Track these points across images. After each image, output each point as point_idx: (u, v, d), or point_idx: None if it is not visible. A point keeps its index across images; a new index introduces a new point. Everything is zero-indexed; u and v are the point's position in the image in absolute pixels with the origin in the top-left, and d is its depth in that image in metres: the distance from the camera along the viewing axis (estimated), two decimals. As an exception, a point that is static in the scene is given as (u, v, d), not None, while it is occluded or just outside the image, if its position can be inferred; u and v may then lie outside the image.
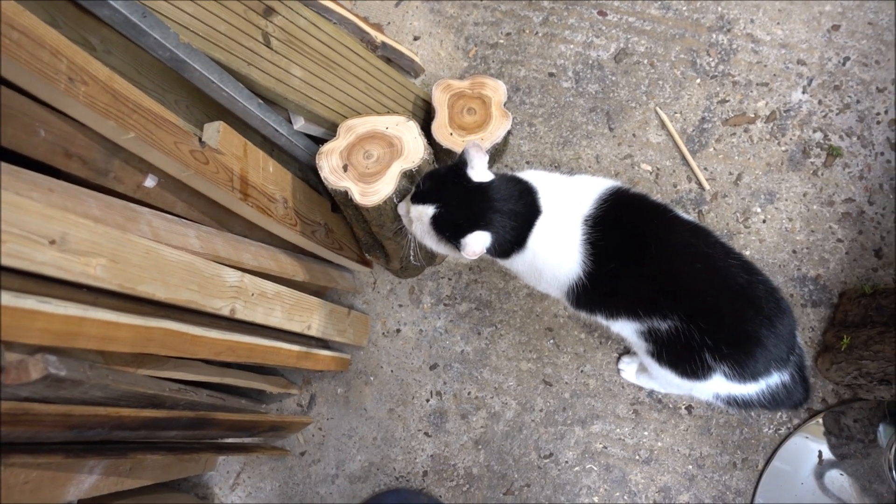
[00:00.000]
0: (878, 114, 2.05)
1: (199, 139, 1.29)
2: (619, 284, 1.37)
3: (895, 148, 2.02)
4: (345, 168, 1.49)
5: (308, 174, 1.78)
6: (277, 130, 1.54)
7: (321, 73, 1.64)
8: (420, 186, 1.39)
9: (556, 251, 1.39)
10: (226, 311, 1.30)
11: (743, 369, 1.31)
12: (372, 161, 1.50)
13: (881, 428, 1.87)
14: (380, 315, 2.02)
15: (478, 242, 1.33)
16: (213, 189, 1.29)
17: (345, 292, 2.02)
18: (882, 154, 2.03)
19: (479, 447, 1.94)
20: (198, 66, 1.28)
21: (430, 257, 1.87)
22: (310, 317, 1.68)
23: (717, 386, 1.38)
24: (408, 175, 1.48)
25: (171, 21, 1.24)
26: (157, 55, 1.21)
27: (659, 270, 1.32)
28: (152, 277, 1.09)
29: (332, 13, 1.70)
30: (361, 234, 1.70)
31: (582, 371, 1.94)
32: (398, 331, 2.01)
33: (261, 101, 1.49)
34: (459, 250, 1.35)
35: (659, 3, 2.14)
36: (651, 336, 1.39)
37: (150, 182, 1.23)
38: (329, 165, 1.49)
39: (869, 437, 1.88)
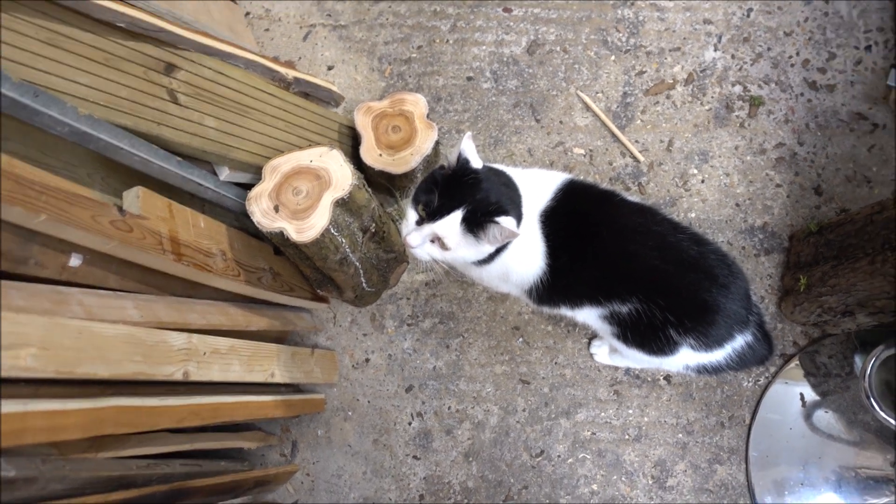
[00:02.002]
0: (790, 57, 2.10)
1: (120, 208, 1.26)
2: (577, 274, 1.38)
3: (812, 87, 2.07)
4: (276, 209, 1.47)
5: (245, 222, 1.75)
6: (202, 185, 1.51)
7: (236, 120, 1.62)
8: (430, 204, 1.29)
9: (524, 250, 1.39)
10: (178, 376, 1.27)
11: (707, 339, 1.33)
12: (302, 197, 1.48)
13: (856, 359, 1.89)
14: (346, 348, 1.99)
15: (511, 223, 1.25)
16: (143, 255, 1.26)
17: (306, 332, 1.99)
18: (802, 95, 2.07)
19: (470, 459, 1.92)
20: (104, 136, 1.25)
21: (384, 281, 1.85)
22: (271, 364, 1.64)
23: (686, 358, 1.40)
24: (340, 203, 1.47)
25: (67, 95, 1.21)
26: (56, 132, 1.18)
27: (613, 255, 1.34)
28: (90, 357, 1.05)
29: (238, 58, 1.68)
30: (308, 271, 1.68)
31: (556, 363, 1.93)
32: (367, 360, 1.98)
33: (179, 158, 1.47)
34: (495, 237, 1.27)
35: (560, -11, 2.16)
36: (614, 319, 1.40)
37: (75, 261, 1.20)
38: (260, 209, 1.47)
39: (846, 371, 1.90)
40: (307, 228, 1.44)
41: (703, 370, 1.44)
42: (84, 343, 1.05)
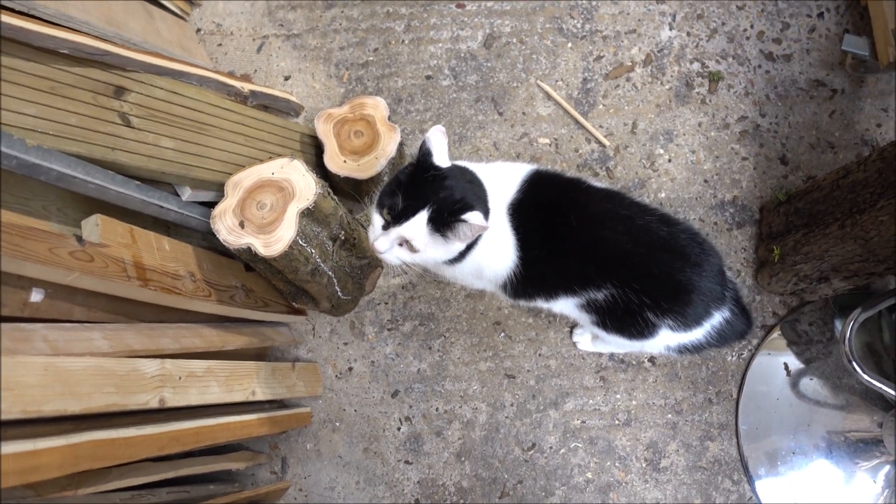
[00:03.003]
0: (744, 30, 2.10)
1: (79, 238, 1.23)
2: (550, 265, 1.37)
3: (769, 58, 2.08)
4: (241, 225, 1.45)
5: (213, 241, 1.72)
6: (164, 207, 1.48)
7: (194, 138, 1.59)
8: (394, 207, 1.26)
9: (495, 245, 1.37)
10: (154, 403, 1.24)
11: (685, 318, 1.33)
12: (267, 210, 1.46)
13: (836, 323, 1.90)
14: (328, 359, 1.97)
15: (479, 218, 1.21)
16: (107, 284, 1.23)
17: (286, 347, 1.96)
18: (759, 66, 2.08)
19: (462, 459, 1.90)
20: (55, 166, 1.22)
21: (359, 288, 1.83)
22: (251, 382, 1.62)
23: (666, 339, 1.39)
24: (306, 214, 1.45)
25: (13, 128, 1.18)
26: (5, 166, 1.15)
27: (584, 242, 1.33)
28: (59, 393, 1.02)
29: (190, 76, 1.65)
30: (281, 284, 1.66)
31: (540, 355, 1.92)
32: (350, 369, 1.96)
33: (138, 182, 1.44)
34: (464, 234, 1.24)
35: (511, -19, 2.16)
36: (591, 307, 1.39)
37: (36, 296, 1.17)
38: (225, 227, 1.45)
39: (827, 336, 1.91)
40: (274, 242, 1.42)
41: (684, 350, 1.44)
42: (50, 379, 1.02)
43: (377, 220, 1.31)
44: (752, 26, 2.10)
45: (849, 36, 1.98)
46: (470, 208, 1.23)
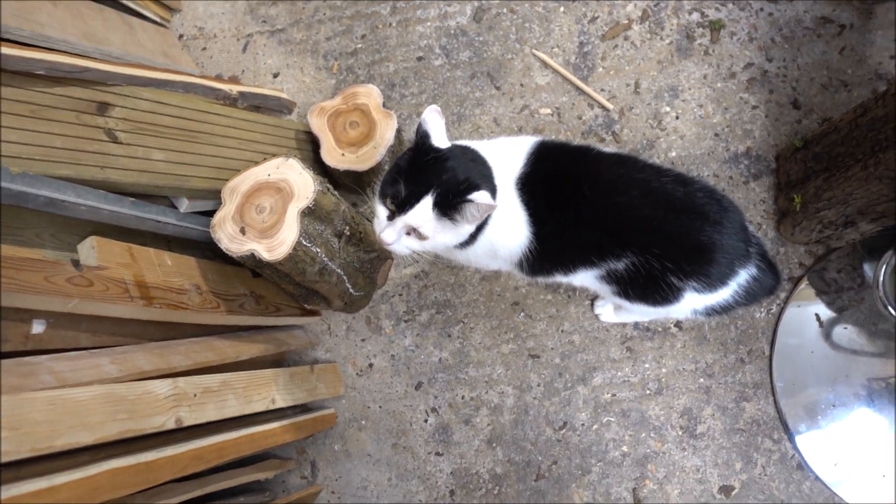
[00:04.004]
0: (742, -27, 2.02)
1: (76, 263, 1.20)
2: (565, 238, 1.32)
3: (771, -1, 1.99)
4: (242, 231, 1.40)
5: (217, 250, 1.68)
6: (161, 221, 1.44)
7: (186, 147, 1.55)
8: (397, 196, 1.22)
9: (506, 223, 1.32)
10: (171, 424, 1.21)
11: (710, 279, 1.28)
12: (266, 214, 1.41)
13: (865, 267, 1.83)
14: (347, 357, 1.93)
15: (486, 196, 1.17)
16: (110, 307, 1.20)
17: (303, 349, 1.92)
18: (762, 9, 1.99)
19: (494, 445, 1.86)
20: (44, 192, 1.18)
21: (371, 282, 1.79)
22: (269, 390, 1.59)
23: (692, 302, 1.34)
24: (307, 213, 1.40)
25: (-5, 157, 1.14)
26: (-10, 197, 1.11)
27: (598, 211, 1.27)
28: (69, 426, 0.99)
29: (174, 84, 1.61)
30: (290, 287, 1.62)
31: (562, 331, 1.87)
32: (370, 365, 1.92)
33: (133, 199, 1.40)
34: (472, 215, 1.20)
35: (495, -51, 2.08)
36: (612, 278, 1.34)
37: (38, 327, 1.13)
38: (226, 235, 1.41)
39: (857, 282, 1.85)
40: (277, 245, 1.38)
41: (712, 311, 1.38)
42: (58, 413, 0.98)
43: (381, 212, 1.27)
44: (749, -32, 2.02)
45: (853, -33, 1.89)
46: (476, 188, 1.18)
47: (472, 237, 1.31)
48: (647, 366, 1.84)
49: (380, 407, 1.91)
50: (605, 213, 1.27)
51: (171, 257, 1.42)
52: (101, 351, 1.24)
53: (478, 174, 1.24)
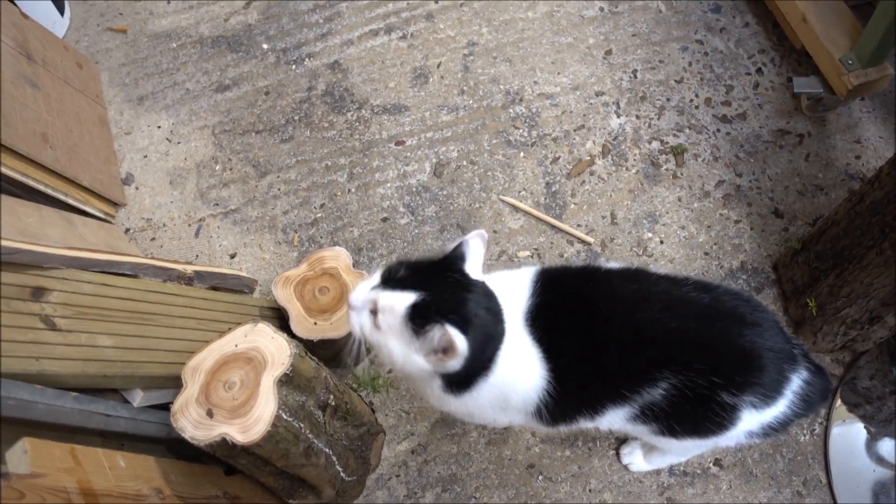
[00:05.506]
0: (691, 101, 2.06)
1: (3, 473, 0.95)
2: (587, 370, 1.13)
3: (725, 120, 2.01)
4: (209, 413, 1.17)
5: (182, 447, 1.42)
6: (111, 416, 1.21)
7: (137, 331, 1.36)
8: (394, 273, 1.09)
9: (519, 367, 1.13)
10: None
11: (764, 388, 1.10)
12: (237, 389, 1.19)
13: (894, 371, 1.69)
14: (343, 564, 1.61)
15: (458, 336, 0.99)
16: (46, 526, 0.93)
17: (290, 562, 1.60)
18: (718, 130, 2.01)
19: None
20: (-41, 388, 0.96)
21: (364, 463, 1.53)
22: None
23: (749, 422, 1.14)
24: (284, 381, 1.19)
25: None
26: None
27: (621, 332, 1.11)
28: None
29: (121, 265, 1.44)
30: (271, 480, 1.35)
31: (590, 490, 1.61)
32: (374, 569, 1.60)
33: (75, 393, 1.17)
34: (430, 340, 1.02)
35: (445, 109, 2.08)
36: (650, 414, 1.14)
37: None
38: (190, 421, 1.17)
39: (888, 389, 1.68)
40: (253, 424, 1.15)
41: (769, 431, 1.17)
42: None
43: (375, 278, 1.11)
44: (696, 95, 2.05)
45: (797, 78, 1.93)
46: (461, 326, 1.01)
47: (467, 384, 1.12)
48: (694, 517, 1.58)
49: None
50: (630, 333, 1.11)
51: (124, 457, 1.17)
52: (34, 589, 0.95)
53: (480, 319, 1.06)
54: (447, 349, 1.01)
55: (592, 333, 1.12)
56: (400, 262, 1.12)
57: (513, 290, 1.17)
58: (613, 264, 1.25)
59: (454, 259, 1.11)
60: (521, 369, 1.14)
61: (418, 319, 1.02)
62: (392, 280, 1.08)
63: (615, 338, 1.11)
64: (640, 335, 1.10)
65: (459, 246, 1.11)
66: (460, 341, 0.99)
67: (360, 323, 1.10)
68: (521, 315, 1.15)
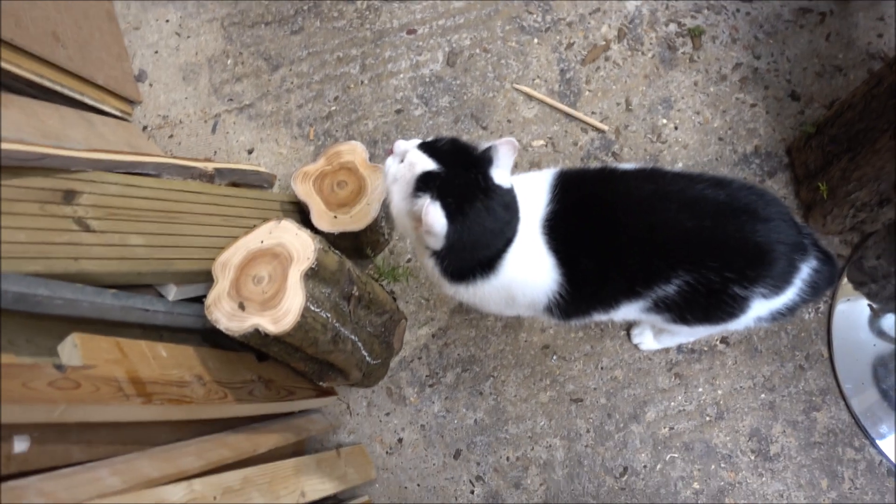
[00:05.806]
0: (710, -22, 1.98)
1: (58, 365, 1.03)
2: (603, 273, 1.19)
3: (744, -2, 1.95)
4: (241, 306, 1.25)
5: (216, 337, 1.52)
6: (149, 310, 1.29)
7: (165, 230, 1.42)
8: (436, 143, 1.16)
9: (529, 272, 1.20)
10: (191, 535, 1.02)
11: (775, 280, 1.15)
12: (266, 283, 1.26)
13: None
14: (373, 436, 1.74)
15: (437, 214, 1.07)
16: (104, 410, 1.03)
17: (323, 434, 1.74)
18: (738, 11, 1.95)
19: (551, 507, 1.67)
20: (12, 289, 1.03)
21: (388, 348, 1.63)
22: (297, 482, 1.40)
23: (758, 310, 1.20)
24: (310, 275, 1.26)
25: (-48, 257, 1.00)
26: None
27: (638, 235, 1.15)
28: (69, 553, 0.81)
29: (145, 165, 1.48)
30: (302, 365, 1.45)
31: (602, 368, 1.71)
32: (400, 440, 1.73)
33: (114, 290, 1.25)
34: (418, 207, 1.11)
35: (458, -7, 2.03)
36: (663, 305, 1.20)
37: (20, 446, 0.96)
38: (224, 314, 1.25)
39: (894, 267, 1.73)
40: (283, 315, 1.22)
41: (778, 316, 1.24)
42: (54, 539, 0.81)
43: (417, 140, 1.20)
44: (716, -28, 1.98)
45: (822, -49, 1.86)
46: (453, 209, 1.09)
47: (469, 276, 1.21)
48: (700, 390, 1.68)
49: (418, 485, 1.71)
50: (646, 235, 1.15)
51: (165, 348, 1.26)
52: (99, 464, 1.06)
53: (471, 211, 1.11)
54: (425, 223, 1.07)
55: (609, 237, 1.16)
56: (452, 138, 1.18)
57: (531, 196, 1.21)
58: (629, 165, 1.28)
59: (482, 160, 1.13)
60: (530, 274, 1.20)
61: (422, 185, 1.10)
62: (431, 147, 1.15)
63: (632, 240, 1.15)
64: (657, 236, 1.14)
65: (488, 150, 1.13)
66: (436, 220, 1.06)
67: (390, 166, 1.19)
68: (539, 221, 1.19)
